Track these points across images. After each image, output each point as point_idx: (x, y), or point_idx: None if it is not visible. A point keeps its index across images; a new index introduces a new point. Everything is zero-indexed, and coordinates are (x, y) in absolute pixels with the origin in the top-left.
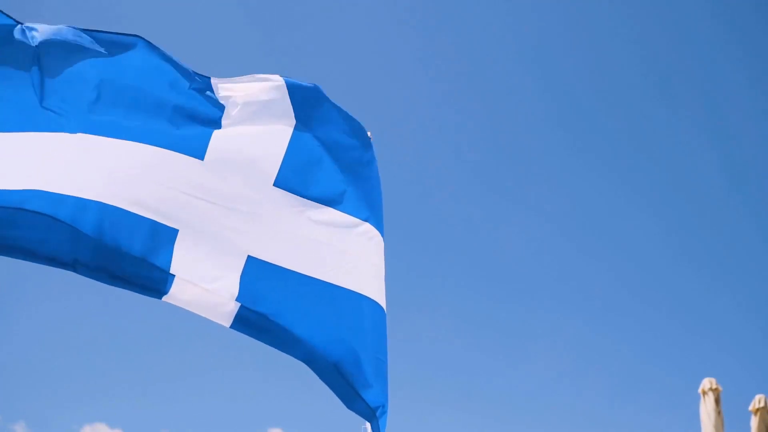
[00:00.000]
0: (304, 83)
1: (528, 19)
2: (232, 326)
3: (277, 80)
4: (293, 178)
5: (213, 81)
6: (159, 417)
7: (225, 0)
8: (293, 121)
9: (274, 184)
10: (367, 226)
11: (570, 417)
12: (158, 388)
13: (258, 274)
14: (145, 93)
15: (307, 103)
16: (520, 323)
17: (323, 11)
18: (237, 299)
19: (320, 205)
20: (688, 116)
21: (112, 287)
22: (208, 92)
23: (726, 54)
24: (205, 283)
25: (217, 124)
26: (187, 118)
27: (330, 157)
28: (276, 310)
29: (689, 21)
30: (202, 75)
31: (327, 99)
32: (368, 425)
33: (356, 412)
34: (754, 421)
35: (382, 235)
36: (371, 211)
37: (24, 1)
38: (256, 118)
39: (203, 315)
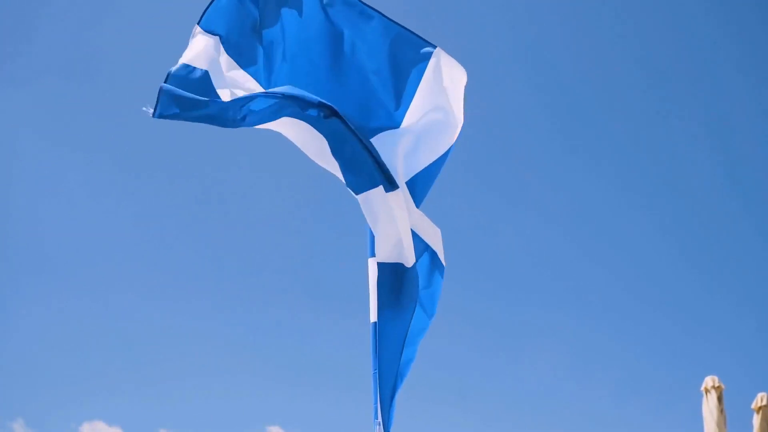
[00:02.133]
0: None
1: (526, 17)
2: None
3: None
4: (420, 186)
5: (436, 54)
6: (157, 415)
7: None
8: (451, 141)
9: (407, 182)
10: None
11: (570, 417)
12: (157, 387)
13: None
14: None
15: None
16: (520, 322)
17: None
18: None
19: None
20: (688, 116)
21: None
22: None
23: (726, 54)
24: None
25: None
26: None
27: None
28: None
29: (689, 20)
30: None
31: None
32: (381, 422)
33: (385, 416)
34: (756, 420)
35: None
36: None
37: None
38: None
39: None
